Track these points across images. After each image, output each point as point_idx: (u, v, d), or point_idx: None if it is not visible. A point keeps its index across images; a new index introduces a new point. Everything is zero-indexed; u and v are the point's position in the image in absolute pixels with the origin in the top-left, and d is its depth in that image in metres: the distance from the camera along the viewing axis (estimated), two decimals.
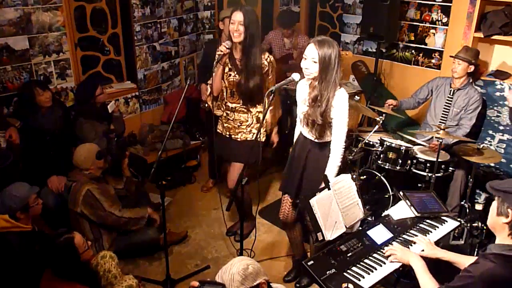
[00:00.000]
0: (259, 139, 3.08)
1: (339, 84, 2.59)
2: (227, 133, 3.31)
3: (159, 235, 3.31)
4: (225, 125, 3.31)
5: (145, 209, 3.32)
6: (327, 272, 2.08)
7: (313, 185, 2.68)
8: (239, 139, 3.26)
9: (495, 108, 4.00)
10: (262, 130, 3.16)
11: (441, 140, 3.37)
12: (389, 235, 2.41)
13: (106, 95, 3.77)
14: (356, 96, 5.08)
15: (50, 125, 3.40)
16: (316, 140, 2.73)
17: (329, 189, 2.49)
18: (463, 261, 2.18)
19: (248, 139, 3.24)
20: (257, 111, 3.21)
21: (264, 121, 2.87)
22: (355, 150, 3.71)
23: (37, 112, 3.36)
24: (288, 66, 4.51)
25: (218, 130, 3.38)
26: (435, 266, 2.13)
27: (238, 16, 2.89)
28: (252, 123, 3.23)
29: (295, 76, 2.57)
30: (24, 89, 3.39)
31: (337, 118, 2.61)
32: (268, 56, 3.09)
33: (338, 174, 2.65)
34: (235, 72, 3.10)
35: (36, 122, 3.35)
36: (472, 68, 3.71)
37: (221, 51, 2.95)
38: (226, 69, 3.13)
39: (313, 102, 2.61)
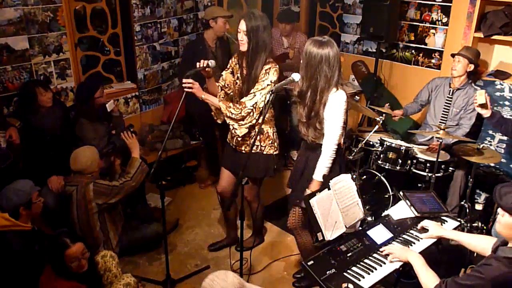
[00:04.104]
0: (271, 150, 3.08)
1: (337, 86, 2.59)
2: (233, 143, 3.17)
3: (161, 228, 3.31)
4: (233, 134, 3.12)
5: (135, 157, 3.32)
6: (327, 272, 2.09)
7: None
8: (243, 151, 3.10)
9: (495, 108, 4.00)
10: (268, 141, 3.06)
11: (441, 140, 3.38)
12: (389, 235, 2.41)
13: (105, 98, 3.72)
14: (356, 96, 5.11)
15: (50, 125, 3.40)
16: (311, 142, 2.74)
17: (329, 189, 2.49)
18: (471, 240, 2.21)
19: (253, 151, 3.00)
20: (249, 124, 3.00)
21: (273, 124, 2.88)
22: (355, 150, 3.71)
23: (37, 112, 3.36)
24: (284, 65, 4.50)
25: (227, 140, 3.26)
26: (435, 264, 2.13)
27: (241, 25, 2.81)
28: (237, 132, 2.98)
29: (295, 76, 2.56)
30: (25, 89, 3.38)
31: (329, 119, 2.62)
32: (270, 68, 2.86)
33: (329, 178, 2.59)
34: (241, 81, 3.02)
35: (36, 122, 3.35)
36: (471, 67, 3.71)
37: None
38: (235, 77, 3.06)
39: (299, 98, 2.67)
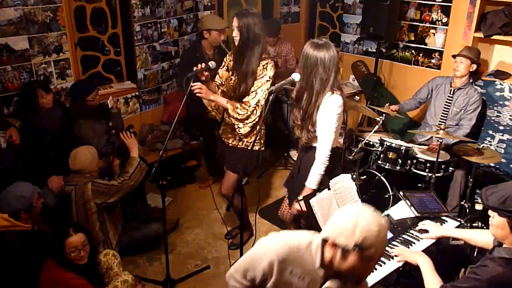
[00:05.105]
0: (256, 146, 3.07)
1: (332, 90, 2.53)
2: (223, 136, 3.31)
3: (161, 228, 3.32)
4: (222, 127, 3.31)
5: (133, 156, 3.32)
6: None
7: (300, 188, 2.70)
8: (230, 145, 3.23)
9: (495, 108, 4.00)
10: (254, 137, 3.05)
11: (441, 140, 3.38)
12: (389, 235, 2.41)
13: (98, 100, 3.70)
14: (356, 96, 5.10)
15: (50, 126, 3.40)
16: (305, 144, 2.73)
17: (329, 189, 2.49)
18: (472, 236, 2.23)
19: (239, 146, 3.18)
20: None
21: (262, 122, 2.89)
22: (355, 150, 3.71)
23: (38, 112, 3.36)
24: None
25: (220, 132, 3.38)
26: (435, 264, 2.13)
27: (234, 22, 2.91)
28: (241, 130, 3.04)
29: (295, 76, 2.56)
30: (26, 90, 3.37)
31: (321, 123, 2.56)
32: (267, 63, 2.93)
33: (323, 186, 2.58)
34: (235, 77, 3.07)
35: (36, 122, 3.34)
36: (474, 67, 3.72)
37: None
38: (229, 73, 3.12)
39: (295, 101, 2.67)
